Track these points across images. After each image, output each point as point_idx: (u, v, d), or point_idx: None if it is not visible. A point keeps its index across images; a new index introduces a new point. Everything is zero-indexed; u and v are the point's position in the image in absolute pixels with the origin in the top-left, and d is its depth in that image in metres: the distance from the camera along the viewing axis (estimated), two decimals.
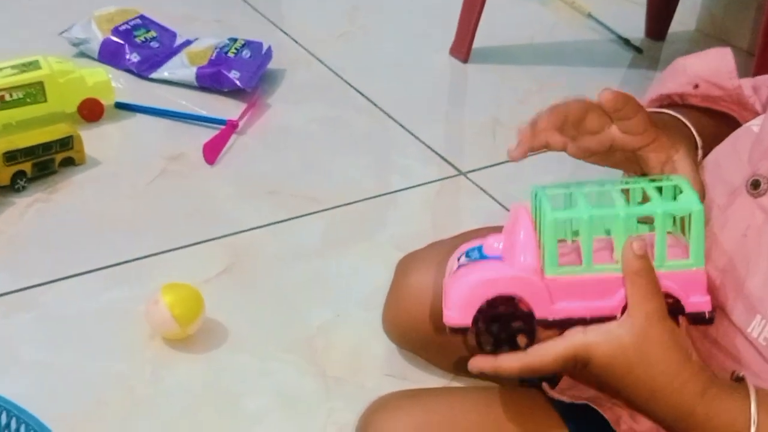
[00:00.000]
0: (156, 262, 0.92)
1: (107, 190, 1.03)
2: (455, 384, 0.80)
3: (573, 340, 0.48)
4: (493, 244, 0.53)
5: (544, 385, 0.61)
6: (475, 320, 0.51)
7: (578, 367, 0.48)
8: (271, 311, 0.87)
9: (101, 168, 1.06)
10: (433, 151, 1.20)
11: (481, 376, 0.53)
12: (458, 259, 0.53)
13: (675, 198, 0.51)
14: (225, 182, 1.07)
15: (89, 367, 0.78)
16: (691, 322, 0.51)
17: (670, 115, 0.61)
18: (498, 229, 0.55)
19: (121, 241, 0.94)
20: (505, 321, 0.51)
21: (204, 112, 1.19)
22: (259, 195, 1.06)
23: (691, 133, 0.60)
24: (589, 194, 0.51)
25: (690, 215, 0.49)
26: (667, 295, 0.49)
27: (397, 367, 0.81)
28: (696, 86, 0.62)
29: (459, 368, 0.82)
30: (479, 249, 0.53)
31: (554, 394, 0.60)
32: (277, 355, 0.82)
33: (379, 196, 1.09)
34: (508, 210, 0.56)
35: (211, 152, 1.10)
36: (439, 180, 1.14)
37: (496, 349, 0.51)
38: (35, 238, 0.94)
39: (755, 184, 0.53)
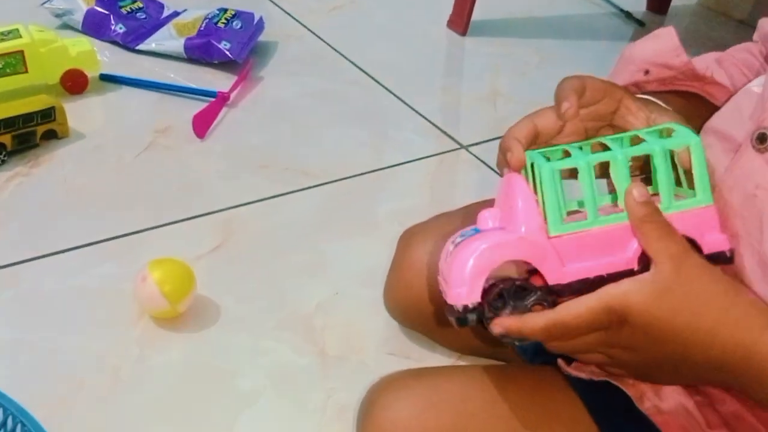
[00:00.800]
0: (144, 238, 0.87)
1: (92, 164, 0.98)
2: (461, 363, 0.76)
3: (607, 291, 0.44)
4: (487, 220, 0.49)
5: (560, 361, 0.57)
6: (485, 296, 0.46)
7: (613, 328, 0.44)
8: (267, 289, 0.83)
9: (85, 141, 1.01)
10: (432, 124, 1.15)
11: (499, 344, 0.49)
12: (453, 243, 0.49)
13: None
14: (216, 156, 1.03)
15: (72, 347, 0.74)
16: (712, 263, 0.47)
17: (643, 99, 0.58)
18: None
19: (107, 217, 0.89)
20: (517, 295, 0.46)
21: (193, 85, 1.15)
22: (251, 169, 1.01)
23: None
24: (583, 147, 0.49)
25: (689, 148, 0.46)
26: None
27: (400, 346, 0.77)
28: (646, 72, 0.60)
29: (464, 347, 0.79)
30: (473, 229, 0.49)
31: (571, 370, 0.56)
32: (273, 333, 0.77)
33: (377, 170, 1.04)
34: None
35: (201, 125, 1.05)
36: (438, 154, 1.09)
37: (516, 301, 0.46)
38: (16, 214, 0.89)
39: (761, 138, 0.50)
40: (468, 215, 0.78)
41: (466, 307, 0.47)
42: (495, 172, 1.07)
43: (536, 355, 0.64)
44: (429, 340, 0.77)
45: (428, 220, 0.78)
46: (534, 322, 0.45)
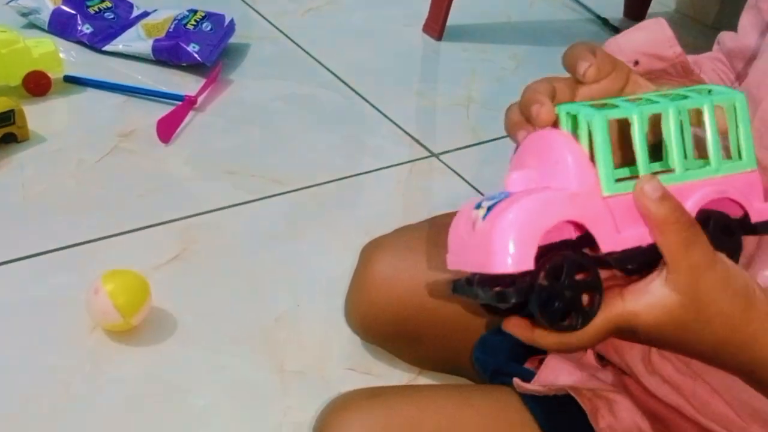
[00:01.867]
0: (101, 247, 0.85)
1: (51, 168, 0.95)
2: (421, 379, 0.75)
3: (612, 311, 0.40)
4: (520, 182, 0.41)
5: (515, 381, 0.56)
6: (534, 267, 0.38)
7: (625, 336, 0.42)
8: (226, 300, 0.81)
9: (46, 145, 0.98)
10: (404, 131, 1.14)
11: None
12: (479, 208, 0.40)
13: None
14: (180, 161, 1.00)
15: (20, 361, 0.71)
16: (761, 232, 0.42)
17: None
18: None
19: (63, 225, 0.87)
20: (569, 270, 0.39)
21: (161, 88, 1.12)
22: (217, 175, 0.99)
23: None
24: (626, 101, 0.42)
25: (734, 106, 0.41)
26: (733, 204, 0.41)
27: (360, 361, 0.76)
28: (636, 63, 0.57)
29: (425, 362, 0.77)
30: (502, 193, 0.41)
31: (527, 387, 0.55)
32: (229, 348, 0.75)
33: (346, 177, 1.02)
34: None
35: (166, 129, 1.02)
36: (409, 161, 1.08)
37: (551, 317, 0.39)
38: None
39: None
40: (434, 227, 0.77)
41: (509, 279, 0.39)
42: (465, 181, 1.05)
43: (495, 374, 0.63)
44: (390, 354, 0.75)
45: (392, 232, 0.76)
46: (545, 339, 0.41)
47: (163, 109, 1.07)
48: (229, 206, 0.94)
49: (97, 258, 0.83)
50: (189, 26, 1.20)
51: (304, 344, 0.77)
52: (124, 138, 1.02)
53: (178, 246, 0.86)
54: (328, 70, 1.25)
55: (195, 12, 1.23)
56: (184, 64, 1.17)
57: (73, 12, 1.21)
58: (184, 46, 1.15)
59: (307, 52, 1.29)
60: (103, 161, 0.98)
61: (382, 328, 0.72)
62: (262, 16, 1.38)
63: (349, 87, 1.22)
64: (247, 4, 1.41)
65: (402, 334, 0.72)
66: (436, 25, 1.39)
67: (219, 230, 0.90)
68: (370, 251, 0.74)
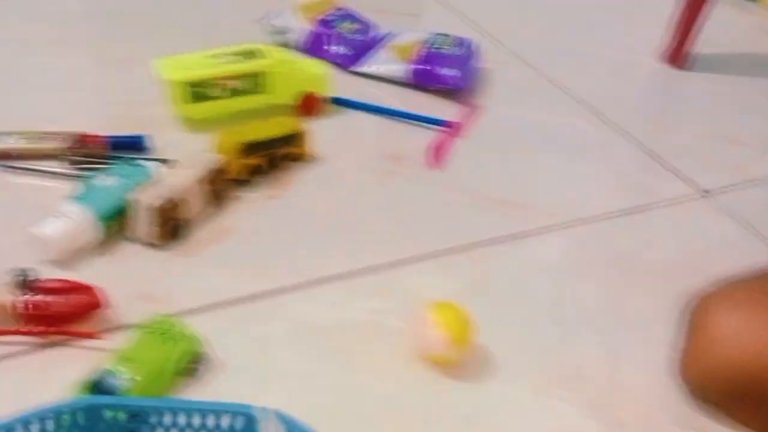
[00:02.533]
0: (398, 272, 0.85)
1: (335, 190, 0.97)
2: None
3: None
4: None
5: None
6: None
7: None
8: (532, 335, 0.79)
9: (324, 167, 1.00)
10: (662, 165, 1.10)
11: None
12: None
13: None
14: (452, 189, 1.00)
15: (352, 383, 0.72)
16: None
17: None
18: None
19: (359, 247, 0.88)
20: None
21: (417, 111, 1.13)
22: (489, 204, 0.97)
23: None
24: None
25: None
26: None
27: (694, 420, 0.72)
28: None
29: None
30: None
31: None
32: (555, 390, 0.73)
33: (619, 214, 0.99)
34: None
35: (437, 155, 1.03)
36: (676, 198, 1.04)
37: None
38: (273, 238, 0.88)
39: None
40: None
41: None
42: (736, 221, 1.00)
43: None
44: (731, 421, 0.71)
45: (722, 286, 0.72)
46: None
47: (424, 134, 1.08)
48: (509, 236, 0.92)
49: (397, 283, 0.83)
50: (443, 50, 1.20)
51: (627, 394, 0.74)
52: (396, 161, 1.03)
53: (470, 275, 0.86)
54: (575, 99, 1.23)
55: (446, 36, 1.24)
56: (433, 88, 1.18)
57: (326, 32, 1.25)
58: (442, 71, 1.16)
59: (550, 80, 1.28)
60: (380, 185, 0.99)
61: (722, 387, 0.69)
62: (499, 41, 1.38)
63: (599, 117, 1.19)
64: (482, 28, 1.41)
65: (745, 396, 0.68)
66: (678, 55, 1.34)
67: (506, 261, 0.89)
68: (707, 304, 0.71)
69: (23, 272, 0.70)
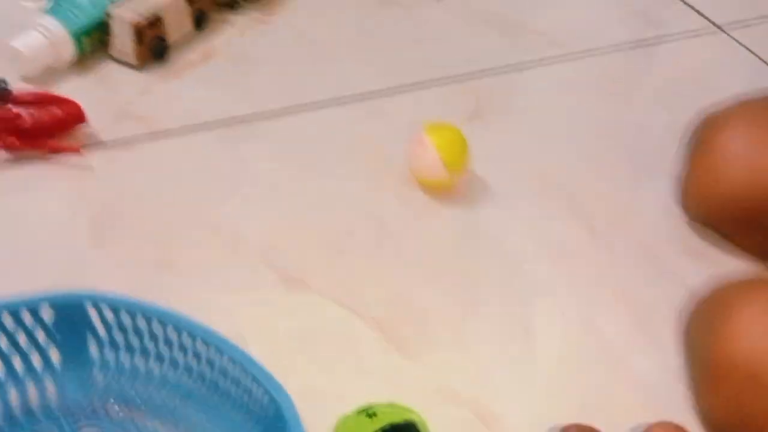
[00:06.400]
0: (395, 99, 0.81)
1: (329, 13, 0.91)
2: None
3: None
4: None
5: None
6: None
7: None
8: (529, 163, 0.76)
9: None
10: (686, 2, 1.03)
11: None
12: None
13: None
14: (452, 14, 0.93)
15: (338, 198, 0.70)
16: None
17: None
18: None
19: (353, 73, 0.83)
20: None
21: None
22: (493, 32, 0.92)
23: None
24: None
25: None
26: None
27: (696, 245, 0.69)
28: None
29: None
30: None
31: None
32: (548, 212, 0.71)
33: (630, 46, 0.93)
34: None
35: None
36: (694, 33, 0.98)
37: None
38: (259, 62, 0.83)
39: None
40: None
41: None
42: (757, 56, 0.94)
43: None
44: (724, 240, 0.69)
45: (731, 106, 0.68)
46: None
47: None
48: (513, 66, 0.87)
49: (394, 110, 0.79)
50: None
51: (628, 218, 0.72)
52: None
53: (472, 103, 0.82)
54: None
55: None
56: None
57: None
58: None
59: None
60: (378, 11, 0.92)
61: (727, 209, 0.66)
62: None
63: None
64: None
65: (752, 219, 0.66)
66: None
67: (509, 90, 0.84)
68: (717, 124, 0.67)
69: None
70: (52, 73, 0.76)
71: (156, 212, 0.66)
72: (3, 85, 0.66)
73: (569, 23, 0.96)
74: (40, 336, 0.48)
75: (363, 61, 0.85)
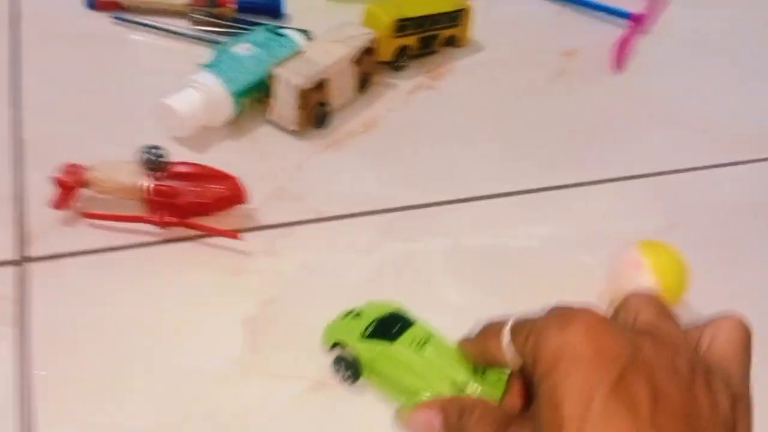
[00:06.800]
0: (572, 194, 0.70)
1: (497, 85, 0.81)
2: None
3: None
4: None
5: None
6: None
7: None
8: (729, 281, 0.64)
9: (486, 55, 0.85)
10: None
11: None
12: None
13: None
14: (634, 95, 0.83)
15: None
16: None
17: None
18: None
19: (525, 160, 0.73)
20: None
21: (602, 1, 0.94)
22: (675, 119, 0.81)
23: None
24: None
25: None
26: None
27: None
28: None
29: None
30: None
31: None
32: None
33: None
34: None
35: (620, 54, 0.86)
36: None
37: None
38: (424, 134, 0.74)
39: None
40: None
41: None
42: None
43: None
44: None
45: None
46: None
47: (601, 27, 0.90)
48: (707, 167, 0.76)
49: (568, 208, 0.69)
50: None
51: None
52: (568, 57, 0.87)
53: (661, 208, 0.71)
54: None
55: None
56: None
57: None
58: None
59: None
60: (550, 84, 0.83)
61: None
62: None
63: None
64: None
65: None
66: None
67: (702, 192, 0.73)
68: None
69: (155, 152, 0.58)
70: (204, 134, 0.69)
71: (317, 308, 0.57)
72: (161, 157, 0.58)
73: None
74: None
75: (534, 145, 0.75)
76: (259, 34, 0.73)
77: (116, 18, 0.80)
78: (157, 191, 0.58)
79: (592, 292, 0.60)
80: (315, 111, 0.70)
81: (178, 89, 0.67)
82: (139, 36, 0.79)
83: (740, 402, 0.38)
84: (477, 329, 0.43)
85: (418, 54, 0.81)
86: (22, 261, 0.56)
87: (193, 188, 0.58)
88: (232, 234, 0.58)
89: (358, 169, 0.69)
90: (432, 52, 0.82)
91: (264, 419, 0.50)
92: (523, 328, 0.40)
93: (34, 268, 0.56)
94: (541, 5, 0.95)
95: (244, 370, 0.52)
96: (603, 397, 0.35)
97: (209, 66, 0.69)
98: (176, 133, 0.67)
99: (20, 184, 0.62)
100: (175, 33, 0.79)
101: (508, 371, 0.45)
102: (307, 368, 0.52)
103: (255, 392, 0.51)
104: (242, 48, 0.71)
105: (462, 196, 0.68)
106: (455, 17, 0.82)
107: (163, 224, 0.58)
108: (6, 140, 0.65)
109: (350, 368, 0.48)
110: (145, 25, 0.79)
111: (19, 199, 0.60)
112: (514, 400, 0.43)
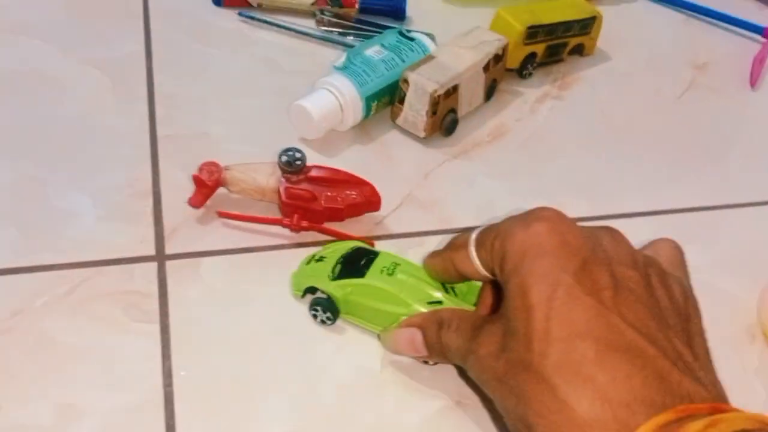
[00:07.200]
0: (714, 217, 0.67)
1: (626, 97, 0.78)
2: None
3: None
4: None
5: None
6: None
7: None
8: None
9: (612, 65, 0.82)
10: None
11: None
12: None
13: None
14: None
15: None
16: None
17: None
18: None
19: (660, 179, 0.70)
20: None
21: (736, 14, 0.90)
22: None
23: None
24: None
25: None
26: None
27: None
28: None
29: None
30: None
31: None
32: None
33: None
34: None
35: (756, 70, 0.82)
36: None
37: None
38: (556, 147, 0.71)
39: None
40: None
41: None
42: None
43: None
44: None
45: None
46: None
47: (734, 41, 0.86)
48: None
49: (712, 231, 0.65)
50: None
51: None
52: (698, 70, 0.83)
53: None
54: None
55: None
56: None
57: None
58: None
59: None
60: (681, 96, 0.80)
61: None
62: None
63: None
64: None
65: None
66: None
67: None
68: None
69: (294, 154, 0.58)
70: (332, 138, 0.68)
71: None
72: (299, 160, 0.57)
73: None
74: None
75: (669, 160, 0.72)
76: (390, 36, 0.72)
77: (242, 15, 0.80)
78: (294, 194, 0.57)
79: (739, 323, 0.57)
80: (445, 118, 0.69)
81: (310, 91, 0.66)
82: (264, 34, 0.79)
83: (691, 299, 0.41)
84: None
85: (544, 62, 0.79)
86: (162, 258, 0.56)
87: (329, 193, 0.57)
88: (369, 242, 0.57)
89: (487, 179, 0.67)
90: (558, 61, 0.80)
91: None
92: (489, 234, 0.43)
93: (171, 265, 0.56)
94: (667, 15, 0.91)
95: (379, 382, 0.51)
96: (567, 283, 0.37)
97: (342, 68, 0.68)
98: (306, 135, 0.66)
99: (157, 180, 0.62)
100: (300, 32, 0.79)
101: (479, 284, 0.47)
102: (446, 386, 0.51)
103: (390, 405, 0.50)
104: (373, 51, 0.70)
105: (595, 214, 0.65)
106: (587, 25, 0.79)
107: (298, 228, 0.57)
108: (145, 136, 0.65)
109: (328, 310, 0.50)
110: (271, 23, 0.79)
111: (157, 196, 0.60)
112: (487, 310, 0.46)
